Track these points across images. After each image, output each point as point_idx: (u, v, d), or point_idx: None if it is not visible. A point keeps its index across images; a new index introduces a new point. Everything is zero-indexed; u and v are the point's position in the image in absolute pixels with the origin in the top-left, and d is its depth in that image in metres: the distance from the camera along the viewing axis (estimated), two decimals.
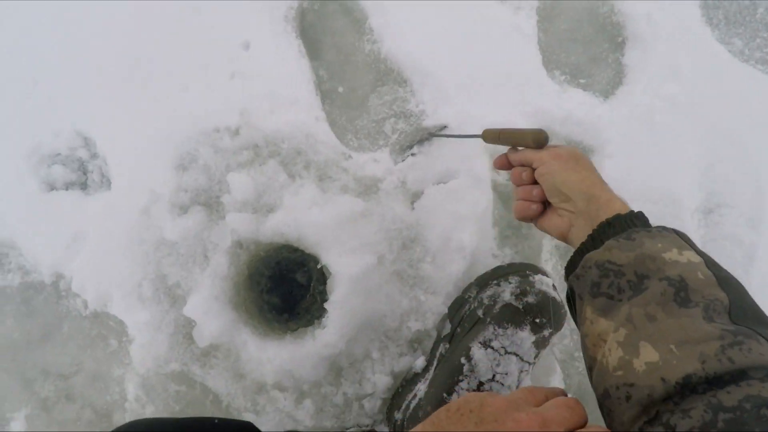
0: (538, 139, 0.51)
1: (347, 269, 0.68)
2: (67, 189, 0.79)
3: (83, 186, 0.81)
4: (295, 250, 0.78)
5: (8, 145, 0.79)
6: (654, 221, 0.73)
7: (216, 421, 0.47)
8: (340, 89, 0.81)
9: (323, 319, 0.71)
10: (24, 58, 0.82)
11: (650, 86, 0.65)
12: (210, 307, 0.71)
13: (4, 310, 0.79)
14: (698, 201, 0.71)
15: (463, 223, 0.73)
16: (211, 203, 0.76)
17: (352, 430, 0.70)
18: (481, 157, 0.73)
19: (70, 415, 0.76)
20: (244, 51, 0.79)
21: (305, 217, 0.71)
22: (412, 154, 0.74)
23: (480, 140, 0.67)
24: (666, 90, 0.71)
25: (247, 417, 0.71)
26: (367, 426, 0.70)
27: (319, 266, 0.71)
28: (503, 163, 0.57)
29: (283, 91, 0.78)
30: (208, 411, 0.73)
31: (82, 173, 0.81)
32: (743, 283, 0.71)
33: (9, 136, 0.79)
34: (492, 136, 0.59)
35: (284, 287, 0.81)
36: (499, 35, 0.77)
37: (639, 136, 0.71)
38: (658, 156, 0.71)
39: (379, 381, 0.69)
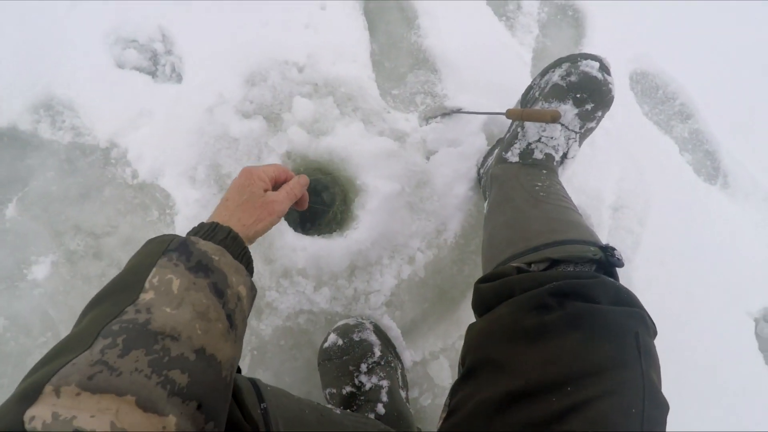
0: (556, 117, 0.71)
1: (381, 189, 0.82)
2: (138, 71, 0.83)
3: (153, 75, 0.85)
4: (328, 173, 0.91)
5: (93, 19, 0.81)
6: (584, 209, 0.98)
7: None
8: (386, 64, 0.97)
9: (350, 227, 0.84)
10: None
11: None
12: None
13: (46, 163, 0.78)
14: (611, 200, 0.98)
15: (461, 179, 0.91)
16: (272, 117, 0.85)
17: (351, 320, 0.81)
18: (480, 135, 0.93)
19: (95, 270, 0.77)
20: (320, 10, 0.92)
21: (353, 145, 0.84)
22: (435, 122, 0.93)
23: (486, 118, 0.88)
24: (604, 123, 0.99)
25: (270, 295, 0.79)
26: (368, 318, 0.82)
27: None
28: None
29: (346, 49, 0.91)
30: None
31: (153, 64, 0.85)
32: (630, 261, 0.97)
33: (95, 11, 0.81)
34: (515, 113, 0.78)
35: (311, 202, 0.92)
36: (506, 57, 1.01)
37: (585, 149, 0.97)
38: (594, 165, 0.98)
39: (386, 281, 0.83)
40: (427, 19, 0.97)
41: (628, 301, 0.49)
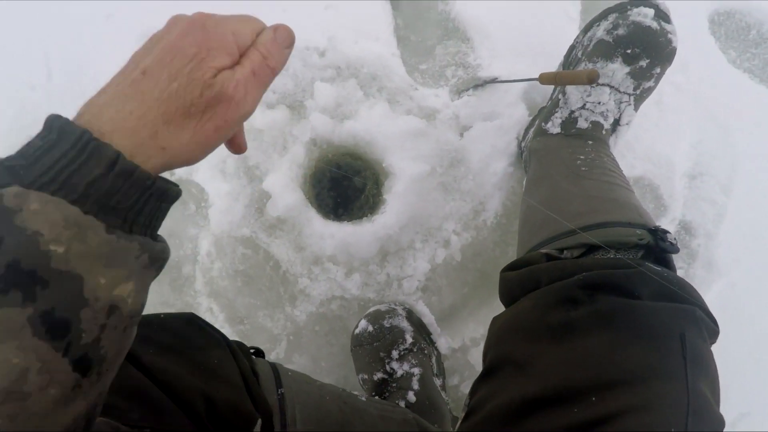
0: (593, 77, 0.62)
1: (407, 171, 0.79)
2: None
3: None
4: (358, 158, 0.89)
5: (125, 27, 0.86)
6: (651, 179, 0.86)
7: (162, 316, 0.45)
8: (413, 37, 0.92)
9: (378, 212, 0.81)
10: None
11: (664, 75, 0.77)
12: (286, 185, 0.80)
13: None
14: (686, 167, 0.84)
15: (499, 155, 0.84)
16: (295, 106, 0.85)
17: (383, 306, 0.79)
18: (520, 106, 0.85)
19: None
20: None
21: (377, 127, 0.80)
22: (468, 95, 0.86)
23: (526, 86, 0.80)
24: (675, 79, 0.84)
25: (302, 282, 0.79)
26: (402, 304, 0.80)
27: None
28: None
29: (368, 27, 0.88)
30: (267, 275, 0.82)
31: None
32: (712, 236, 0.84)
33: (129, 19, 0.87)
34: (548, 77, 0.70)
35: (342, 187, 0.91)
36: (548, 13, 0.90)
37: (649, 111, 0.83)
38: (662, 128, 0.84)
39: (419, 266, 0.79)
40: None
41: (677, 296, 0.41)
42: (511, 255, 0.83)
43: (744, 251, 0.83)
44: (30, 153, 0.24)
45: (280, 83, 0.84)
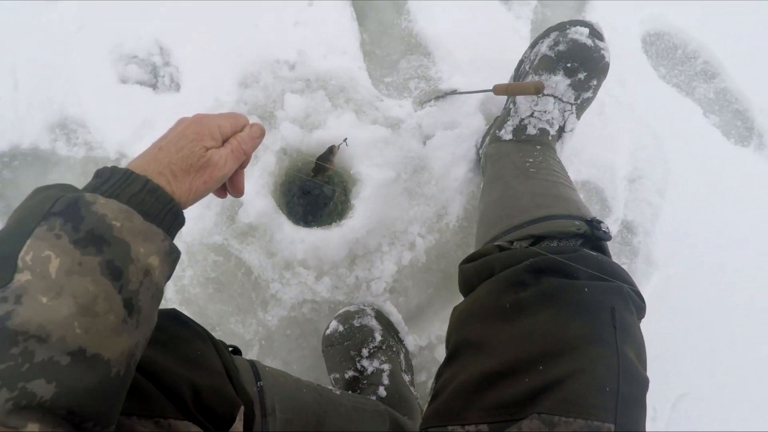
0: (539, 88, 0.70)
1: (374, 177, 0.84)
2: (140, 85, 0.90)
3: (153, 87, 0.91)
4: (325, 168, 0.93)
5: (97, 39, 0.88)
6: (596, 183, 0.95)
7: None
8: (378, 52, 0.98)
9: (347, 217, 0.86)
10: None
11: (604, 88, 0.85)
12: (257, 192, 0.83)
13: (65, 178, 0.86)
14: (626, 171, 0.93)
15: (459, 161, 0.90)
16: (266, 116, 0.89)
17: (352, 307, 0.83)
18: (477, 116, 0.92)
19: None
20: (308, 6, 0.94)
21: (344, 136, 0.86)
22: (430, 106, 0.93)
23: (483, 97, 0.87)
24: (614, 92, 0.94)
25: (273, 287, 0.83)
26: (370, 305, 0.84)
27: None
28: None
29: (336, 42, 0.93)
30: (238, 281, 0.84)
31: (153, 76, 0.91)
32: (650, 234, 0.93)
33: (99, 32, 0.88)
34: (501, 89, 0.77)
35: (312, 195, 0.95)
36: (502, 32, 0.98)
37: (593, 121, 0.93)
38: (604, 136, 0.93)
39: (386, 268, 0.84)
40: (417, 3, 0.97)
41: (609, 276, 0.48)
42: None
43: (678, 247, 0.93)
44: (111, 182, 0.37)
45: (252, 94, 0.88)
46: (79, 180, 0.86)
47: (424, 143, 0.90)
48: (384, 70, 0.96)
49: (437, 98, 0.92)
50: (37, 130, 0.85)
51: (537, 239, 0.55)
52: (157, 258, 0.37)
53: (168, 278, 0.40)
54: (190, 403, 0.43)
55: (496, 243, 0.57)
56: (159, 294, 0.38)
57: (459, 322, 0.53)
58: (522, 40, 0.97)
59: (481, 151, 0.87)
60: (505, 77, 0.91)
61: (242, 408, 0.47)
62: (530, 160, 0.70)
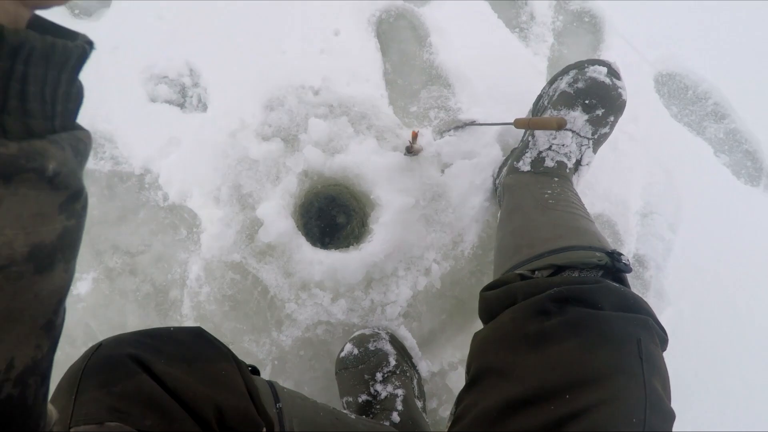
0: (561, 124, 0.74)
1: (393, 203, 0.88)
2: (169, 104, 0.95)
3: (181, 106, 0.96)
4: (345, 187, 0.97)
5: (130, 59, 0.93)
6: (609, 217, 0.99)
7: (171, 329, 0.50)
8: (400, 81, 1.04)
9: (365, 240, 0.89)
10: None
11: (619, 124, 0.88)
12: (278, 213, 0.87)
13: (89, 190, 0.89)
14: (639, 206, 0.98)
15: (476, 190, 0.95)
16: (289, 139, 0.93)
17: (367, 330, 0.85)
18: (495, 146, 0.97)
19: (130, 286, 0.86)
20: (334, 36, 1.00)
21: (366, 161, 0.90)
22: (449, 135, 0.97)
23: (501, 128, 0.92)
24: (627, 128, 1.00)
25: (289, 306, 0.85)
26: (385, 328, 0.86)
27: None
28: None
29: (359, 70, 0.99)
30: (254, 300, 0.87)
31: (181, 96, 0.96)
32: (661, 268, 0.97)
33: (132, 52, 0.94)
34: (522, 122, 0.82)
35: (329, 217, 0.99)
36: (520, 67, 1.04)
37: (607, 156, 0.97)
38: (617, 171, 0.98)
39: (402, 293, 0.87)
40: (439, 36, 1.03)
41: (633, 307, 0.50)
42: (486, 283, 0.93)
43: (690, 282, 0.96)
44: None
45: (276, 117, 0.92)
46: (103, 192, 0.90)
47: (443, 171, 0.95)
48: (405, 99, 1.01)
49: (457, 128, 0.97)
50: None
51: (558, 269, 0.58)
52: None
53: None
54: (214, 423, 0.45)
55: (517, 271, 0.60)
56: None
57: (481, 349, 0.55)
58: (539, 75, 1.03)
59: (497, 181, 0.91)
60: (522, 110, 0.97)
61: (264, 430, 0.49)
62: (548, 191, 0.73)
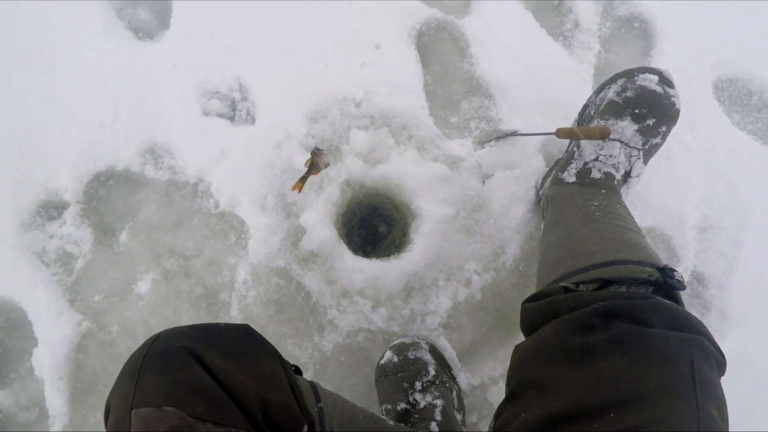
0: (605, 133, 0.73)
1: (434, 213, 0.90)
2: (220, 117, 1.03)
3: (231, 119, 1.04)
4: (387, 198, 1.01)
5: (185, 77, 1.02)
6: (663, 230, 0.96)
7: (221, 324, 0.53)
8: (440, 92, 1.07)
9: (405, 250, 0.92)
10: (208, 14, 1.08)
11: (672, 134, 0.84)
12: (321, 221, 0.91)
13: (150, 198, 0.99)
14: (696, 221, 0.94)
15: (519, 202, 0.95)
16: (331, 149, 0.98)
17: (407, 339, 0.87)
18: (537, 157, 0.97)
19: (184, 287, 0.94)
20: (375, 49, 1.05)
21: (407, 171, 0.93)
22: (490, 146, 0.99)
23: (544, 139, 0.92)
24: (682, 138, 0.97)
25: (331, 313, 0.89)
26: (424, 338, 0.88)
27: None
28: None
29: (400, 82, 1.03)
30: (298, 305, 0.91)
31: (232, 110, 1.04)
32: (724, 288, 0.92)
33: (188, 71, 1.03)
34: (565, 132, 0.82)
35: (371, 228, 1.02)
36: (564, 76, 1.04)
37: (659, 167, 0.95)
38: (671, 183, 0.95)
39: (441, 303, 0.89)
40: (479, 47, 1.05)
41: (686, 327, 0.48)
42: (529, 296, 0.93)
43: (757, 303, 0.91)
44: None
45: (320, 129, 0.98)
46: (162, 200, 0.99)
47: (483, 182, 0.96)
48: (446, 110, 1.04)
49: (498, 139, 0.98)
50: (130, 154, 0.99)
51: (605, 283, 0.57)
52: None
53: None
54: (260, 417, 0.47)
55: (561, 284, 0.59)
56: None
57: (522, 361, 0.55)
58: (584, 83, 1.02)
59: (541, 192, 0.91)
60: (565, 120, 0.96)
61: (306, 427, 0.52)
62: (595, 203, 0.73)
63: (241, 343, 0.52)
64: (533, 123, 0.99)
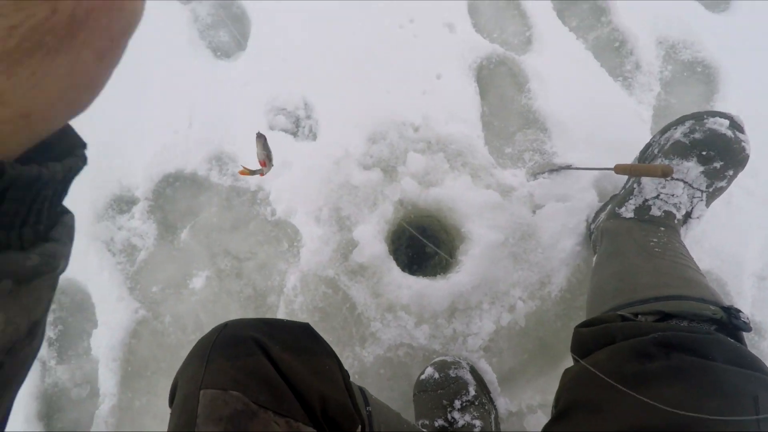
0: (667, 172, 0.75)
1: (484, 237, 0.93)
2: (284, 132, 1.11)
3: (294, 135, 1.12)
4: (438, 220, 1.05)
5: (257, 93, 1.12)
6: (719, 275, 0.95)
7: (284, 321, 0.56)
8: (496, 123, 1.12)
9: (453, 271, 0.95)
10: (282, 40, 1.19)
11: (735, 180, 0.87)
12: (374, 236, 0.96)
13: (211, 201, 1.07)
14: (756, 268, 0.93)
15: (569, 234, 0.97)
16: (388, 169, 1.04)
17: (448, 357, 0.89)
18: (591, 191, 0.99)
19: (235, 287, 1.00)
20: (436, 79, 1.12)
21: (460, 196, 0.98)
22: (543, 178, 1.02)
23: (598, 174, 0.95)
24: (745, 182, 0.97)
25: (374, 325, 0.93)
26: (465, 359, 0.90)
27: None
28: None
29: (458, 111, 1.09)
30: (342, 314, 0.95)
31: (295, 126, 1.13)
32: None
33: (259, 87, 1.13)
34: (624, 168, 0.83)
35: (418, 247, 1.06)
36: (622, 115, 1.08)
37: (719, 210, 0.95)
38: (730, 227, 0.95)
39: (484, 326, 0.91)
40: (538, 83, 1.11)
41: (751, 365, 0.48)
42: (573, 328, 0.93)
43: None
44: None
45: (378, 149, 1.04)
46: (223, 204, 1.06)
47: (534, 212, 0.99)
48: (501, 141, 1.09)
49: (551, 171, 1.01)
50: (198, 160, 1.08)
51: (664, 316, 0.58)
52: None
53: (45, 298, 0.27)
54: (319, 412, 0.50)
55: (618, 312, 0.60)
56: (22, 347, 0.26)
57: (573, 383, 0.56)
58: (643, 124, 1.05)
59: (593, 226, 0.93)
60: (620, 158, 0.99)
61: (360, 427, 0.55)
62: (654, 240, 0.73)
63: (302, 339, 0.56)
64: (588, 158, 1.02)
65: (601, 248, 0.81)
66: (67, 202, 0.29)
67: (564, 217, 0.97)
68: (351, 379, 0.91)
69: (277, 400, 0.47)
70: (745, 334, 0.56)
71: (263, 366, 0.49)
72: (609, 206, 0.89)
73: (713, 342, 0.49)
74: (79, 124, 0.29)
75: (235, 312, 0.98)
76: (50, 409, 0.96)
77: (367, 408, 0.61)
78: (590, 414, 0.50)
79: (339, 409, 0.52)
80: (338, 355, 0.93)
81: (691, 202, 0.77)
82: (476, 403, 0.80)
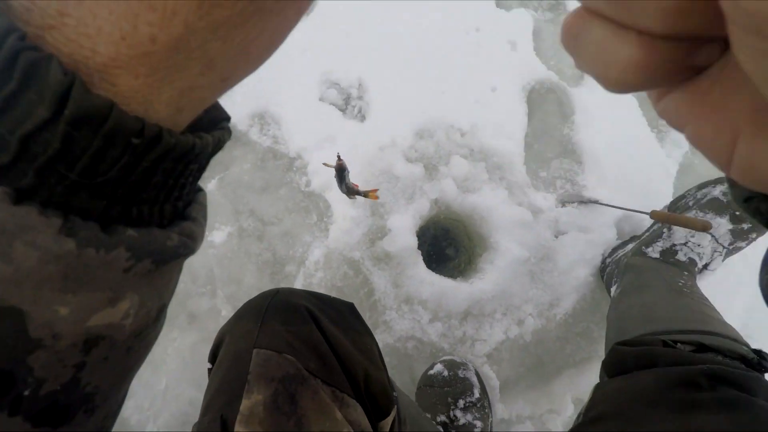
0: (706, 227, 0.83)
1: (511, 251, 1.00)
2: (334, 106, 1.14)
3: (343, 111, 1.15)
4: (464, 226, 1.11)
5: (313, 63, 1.15)
6: None
7: (331, 297, 0.58)
8: (536, 146, 1.19)
9: (476, 276, 1.02)
10: (349, 14, 1.21)
11: None
12: (406, 227, 1.01)
13: (246, 157, 1.08)
14: (737, 325, 1.05)
15: (585, 264, 1.06)
16: (430, 167, 1.09)
17: (457, 358, 0.95)
18: (611, 229, 1.08)
19: (255, 249, 1.02)
20: (490, 91, 1.18)
21: (495, 208, 1.04)
22: (571, 207, 1.10)
23: (621, 214, 1.04)
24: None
25: (389, 314, 0.98)
26: (471, 362, 0.97)
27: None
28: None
29: (505, 126, 1.15)
30: (359, 297, 1.00)
31: (345, 103, 1.16)
32: None
33: (317, 58, 1.15)
34: (661, 216, 0.91)
35: (440, 248, 1.12)
36: (651, 164, 1.18)
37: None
38: (717, 285, 1.04)
39: (494, 333, 0.98)
40: (583, 116, 1.19)
41: None
42: (568, 352, 1.02)
43: None
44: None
45: (423, 145, 1.09)
46: (257, 163, 1.08)
47: (556, 237, 1.07)
48: (538, 163, 1.16)
49: (581, 202, 1.10)
50: (242, 114, 1.09)
51: (702, 348, 0.63)
52: (125, 301, 0.22)
53: (175, 280, 0.27)
54: (362, 387, 0.53)
55: (659, 337, 0.65)
56: (148, 332, 0.25)
57: (613, 396, 0.59)
58: (668, 176, 1.15)
59: (608, 260, 1.02)
60: (643, 202, 1.08)
61: (396, 407, 0.59)
62: (681, 281, 0.82)
63: (348, 317, 0.59)
64: (614, 197, 1.11)
65: (625, 281, 0.88)
66: None
67: (583, 247, 1.06)
68: None
69: (327, 370, 0.50)
70: None
71: (316, 336, 0.51)
72: (632, 244, 0.97)
73: (757, 380, 0.54)
74: None
75: (250, 273, 1.00)
76: None
77: (394, 393, 0.66)
78: (628, 426, 0.54)
79: (380, 387, 0.55)
80: None
81: (712, 255, 0.86)
82: (479, 405, 0.87)
